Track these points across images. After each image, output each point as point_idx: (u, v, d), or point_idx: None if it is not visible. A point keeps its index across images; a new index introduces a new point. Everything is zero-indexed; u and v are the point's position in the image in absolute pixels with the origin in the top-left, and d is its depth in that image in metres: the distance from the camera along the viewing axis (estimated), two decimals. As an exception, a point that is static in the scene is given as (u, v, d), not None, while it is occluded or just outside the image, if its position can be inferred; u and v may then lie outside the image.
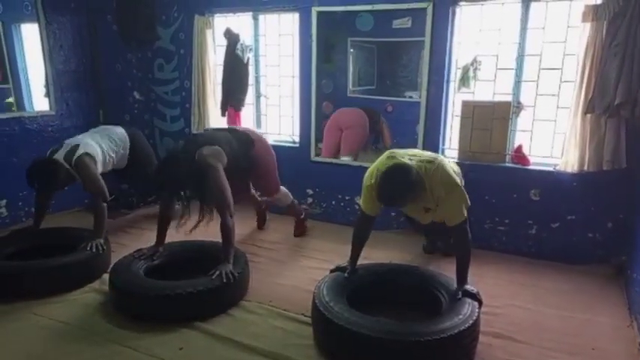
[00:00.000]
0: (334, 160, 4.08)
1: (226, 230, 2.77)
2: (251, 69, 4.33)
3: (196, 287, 2.52)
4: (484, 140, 3.47)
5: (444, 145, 3.72)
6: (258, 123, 4.56)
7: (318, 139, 4.14)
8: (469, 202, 2.47)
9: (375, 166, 2.56)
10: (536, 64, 3.38)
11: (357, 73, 4.06)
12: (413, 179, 2.31)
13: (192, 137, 3.13)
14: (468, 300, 2.30)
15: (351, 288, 2.52)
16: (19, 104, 4.13)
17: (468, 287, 2.41)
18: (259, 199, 3.93)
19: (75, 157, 3.15)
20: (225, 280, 2.59)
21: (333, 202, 4.16)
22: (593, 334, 2.49)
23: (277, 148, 4.34)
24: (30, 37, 4.18)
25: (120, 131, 3.63)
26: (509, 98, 3.45)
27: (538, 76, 3.40)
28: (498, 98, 3.51)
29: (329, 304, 2.26)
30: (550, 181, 3.36)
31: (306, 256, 3.45)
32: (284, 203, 3.74)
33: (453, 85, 3.62)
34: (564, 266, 3.30)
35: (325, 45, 3.97)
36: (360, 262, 2.73)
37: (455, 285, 2.47)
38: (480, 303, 2.33)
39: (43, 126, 4.13)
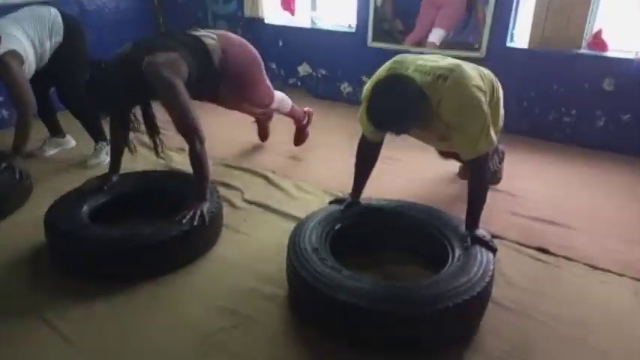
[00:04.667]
0: (393, 46, 3.89)
1: (196, 160, 2.17)
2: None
3: (160, 236, 1.97)
4: (560, 23, 3.18)
5: (514, 29, 3.45)
6: (314, 6, 4.36)
7: (377, 25, 3.92)
8: (493, 135, 1.85)
9: (376, 76, 1.98)
10: None
11: None
12: (411, 96, 1.71)
13: (141, 41, 2.24)
14: (480, 253, 1.79)
15: (337, 229, 2.01)
16: None
17: (480, 232, 1.90)
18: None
19: None
20: (196, 223, 2.06)
21: (389, 90, 4.07)
22: (652, 224, 2.47)
23: (332, 34, 4.23)
24: None
25: (53, 13, 2.77)
26: (595, -26, 3.09)
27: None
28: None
29: (304, 253, 1.78)
30: (628, 70, 3.11)
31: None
32: (284, 111, 3.17)
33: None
34: (630, 158, 3.18)
35: None
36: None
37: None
38: (494, 252, 1.85)
39: (101, 7, 4.13)
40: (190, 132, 2.13)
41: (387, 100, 1.73)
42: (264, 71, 2.81)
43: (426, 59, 1.91)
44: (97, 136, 3.14)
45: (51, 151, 3.25)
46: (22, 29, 2.60)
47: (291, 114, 3.20)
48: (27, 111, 2.58)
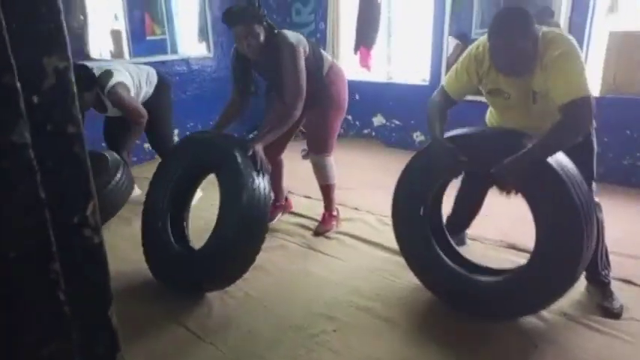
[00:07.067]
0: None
1: (283, 117, 2.39)
2: (383, 8, 4.52)
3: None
4: (631, 72, 3.35)
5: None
6: (389, 61, 4.78)
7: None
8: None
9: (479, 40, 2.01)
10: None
11: (482, 15, 4.05)
12: (531, 21, 1.79)
13: None
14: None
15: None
16: (173, 49, 4.73)
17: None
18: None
19: (108, 87, 2.84)
20: (258, 168, 2.14)
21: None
22: None
23: (405, 88, 4.59)
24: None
25: (151, 69, 3.25)
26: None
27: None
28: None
29: None
30: None
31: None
32: (325, 178, 2.82)
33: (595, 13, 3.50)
34: None
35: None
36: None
37: None
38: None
39: (204, 67, 4.76)
40: (295, 94, 2.38)
41: (514, 14, 1.80)
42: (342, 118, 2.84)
43: None
44: None
45: None
46: (127, 70, 3.05)
47: (327, 190, 2.89)
48: (142, 122, 2.99)
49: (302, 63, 2.40)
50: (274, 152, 2.74)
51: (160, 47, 4.74)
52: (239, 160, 2.11)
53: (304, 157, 2.91)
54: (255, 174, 2.09)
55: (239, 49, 2.43)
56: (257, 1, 2.33)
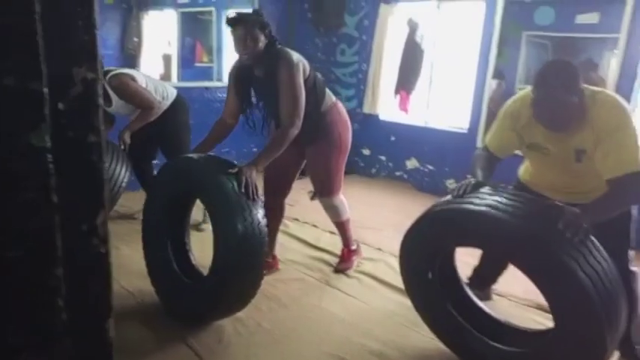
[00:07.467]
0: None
1: (279, 136, 2.26)
2: (426, 55, 4.56)
3: None
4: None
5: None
6: (428, 106, 4.78)
7: (488, 127, 4.21)
8: None
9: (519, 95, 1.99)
10: None
11: (527, 71, 4.02)
12: (578, 75, 1.72)
13: None
14: None
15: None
16: (218, 76, 4.94)
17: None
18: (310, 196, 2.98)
19: (111, 73, 2.84)
20: (244, 191, 1.98)
21: (494, 190, 4.21)
22: None
23: (442, 133, 4.56)
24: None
25: (172, 88, 3.28)
26: None
27: None
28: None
29: None
30: None
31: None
32: (336, 216, 2.76)
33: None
34: None
35: (498, 38, 4.02)
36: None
37: None
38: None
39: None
40: (292, 113, 2.26)
41: (561, 69, 1.73)
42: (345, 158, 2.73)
43: None
44: None
45: None
46: (144, 76, 3.12)
47: (342, 227, 2.83)
48: (151, 108, 2.97)
49: (300, 80, 2.31)
50: (279, 193, 2.69)
51: (206, 74, 4.94)
52: (227, 187, 1.97)
53: (312, 198, 2.84)
54: (244, 200, 1.96)
55: (237, 52, 2.33)
56: (262, 12, 2.35)
